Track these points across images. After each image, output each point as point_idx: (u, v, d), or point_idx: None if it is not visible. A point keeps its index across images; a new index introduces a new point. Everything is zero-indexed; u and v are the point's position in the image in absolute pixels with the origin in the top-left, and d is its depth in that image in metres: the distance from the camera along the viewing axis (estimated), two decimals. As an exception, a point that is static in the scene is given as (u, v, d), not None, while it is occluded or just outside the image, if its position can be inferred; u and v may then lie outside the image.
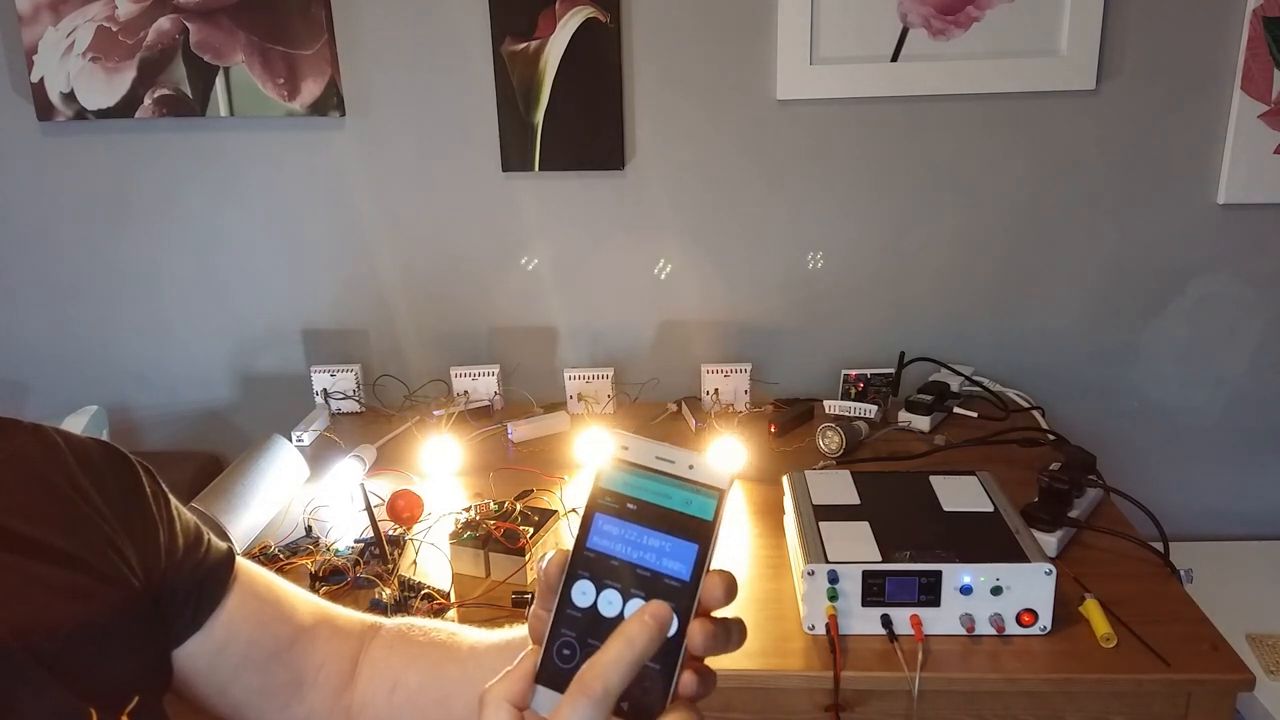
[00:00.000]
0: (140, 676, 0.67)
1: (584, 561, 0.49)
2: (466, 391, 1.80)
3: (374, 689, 0.76)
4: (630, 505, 0.49)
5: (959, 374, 1.75)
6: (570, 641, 0.47)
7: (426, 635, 0.77)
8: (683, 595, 0.47)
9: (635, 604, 0.47)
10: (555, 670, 0.47)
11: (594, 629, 0.47)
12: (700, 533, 0.48)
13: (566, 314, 1.87)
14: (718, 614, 0.48)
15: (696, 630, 0.46)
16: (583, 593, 0.48)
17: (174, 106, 1.73)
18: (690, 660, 0.47)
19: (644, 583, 0.47)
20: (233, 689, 0.74)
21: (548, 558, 0.50)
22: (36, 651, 0.60)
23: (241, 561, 0.77)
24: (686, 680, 0.47)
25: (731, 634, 0.48)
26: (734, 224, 1.80)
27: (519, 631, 0.70)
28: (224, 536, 1.31)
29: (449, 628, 0.78)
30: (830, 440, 1.57)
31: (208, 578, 0.73)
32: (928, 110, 1.71)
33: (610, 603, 0.48)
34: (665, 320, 1.87)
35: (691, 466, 0.49)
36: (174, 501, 0.75)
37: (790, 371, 1.87)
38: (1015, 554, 1.10)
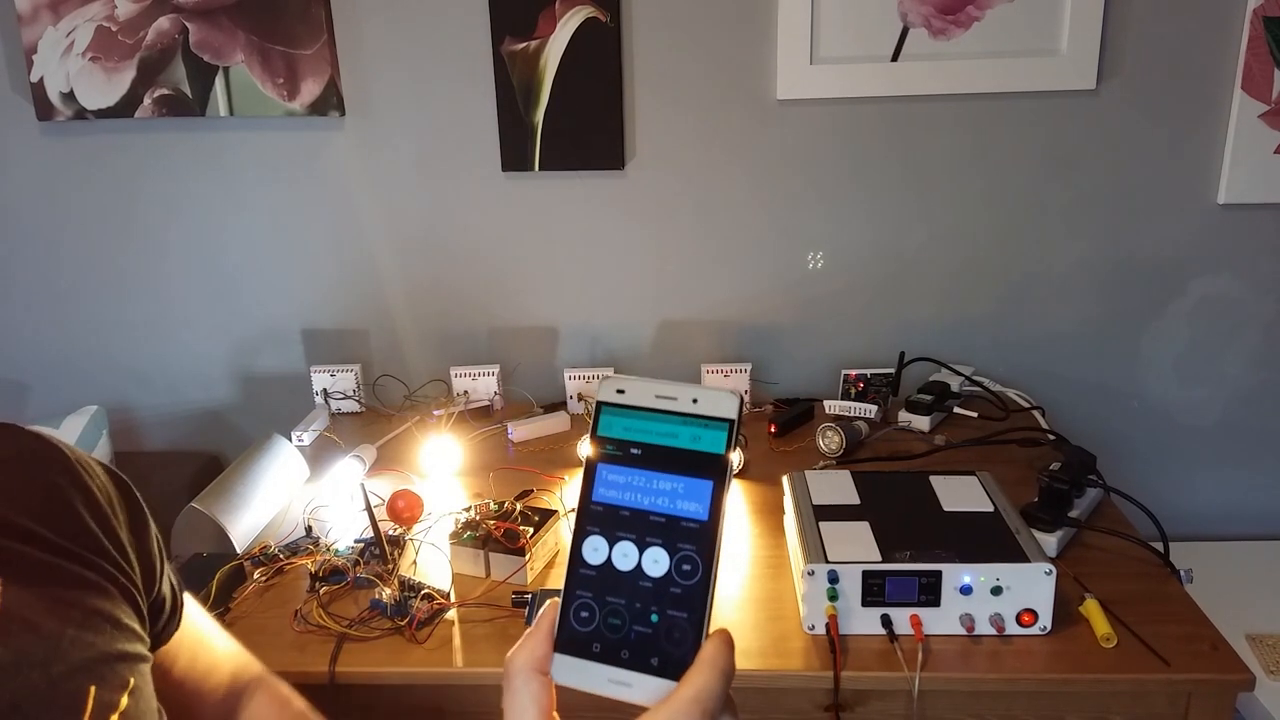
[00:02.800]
0: (136, 662, 0.68)
1: (592, 516, 0.46)
2: (466, 391, 1.80)
3: None
4: (634, 450, 0.46)
5: (959, 374, 1.75)
6: (588, 602, 0.45)
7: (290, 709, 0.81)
8: (702, 536, 0.45)
9: (654, 553, 0.45)
10: (574, 634, 0.45)
11: (611, 585, 0.45)
12: (714, 468, 0.45)
13: (566, 314, 1.87)
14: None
15: None
16: (595, 549, 0.46)
17: (174, 106, 1.73)
18: None
19: (659, 529, 0.45)
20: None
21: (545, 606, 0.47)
22: (40, 631, 0.61)
23: (182, 632, 0.79)
24: None
25: None
26: (734, 224, 1.80)
27: None
28: (224, 537, 1.31)
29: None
30: (830, 440, 1.57)
31: (165, 622, 0.76)
32: (928, 110, 1.71)
33: (625, 555, 0.45)
34: (665, 320, 1.87)
35: (695, 400, 0.46)
36: (165, 556, 0.77)
37: (790, 371, 1.87)
38: (1015, 554, 1.10)
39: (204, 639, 0.81)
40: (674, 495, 0.46)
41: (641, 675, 0.44)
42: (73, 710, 0.61)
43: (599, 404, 0.47)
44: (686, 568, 0.45)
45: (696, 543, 0.45)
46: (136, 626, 0.69)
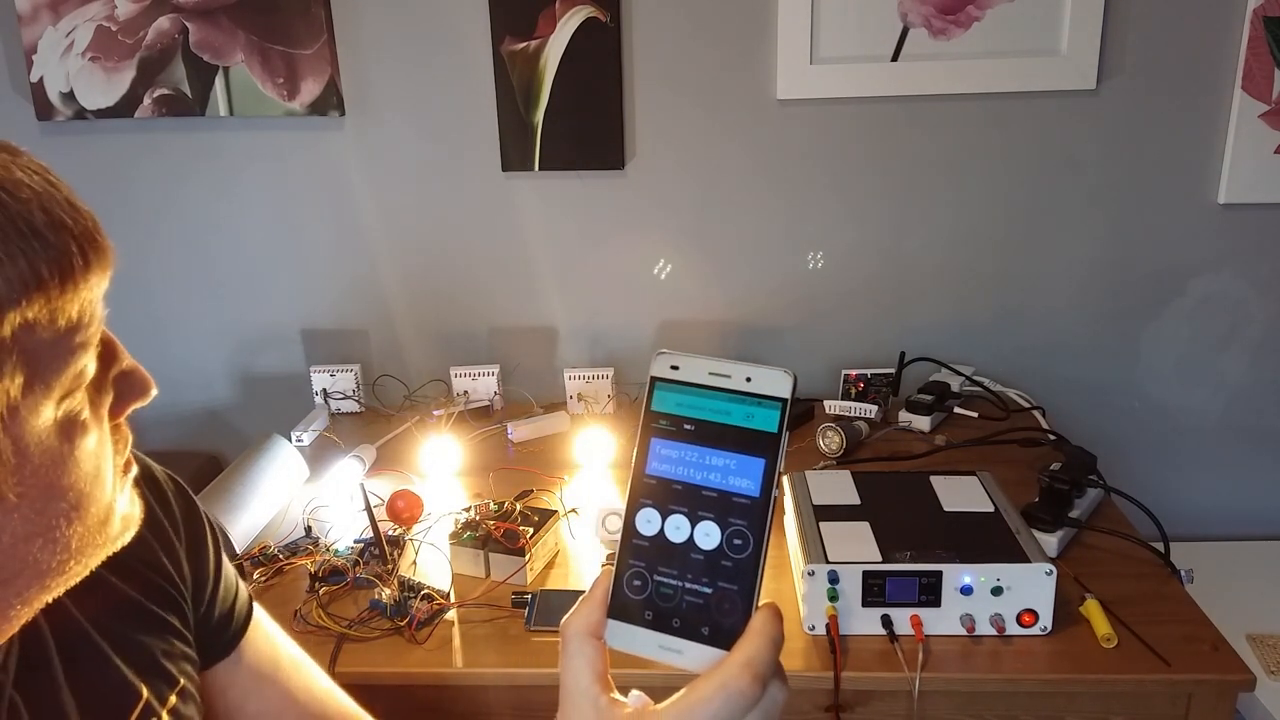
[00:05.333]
0: (183, 661, 0.70)
1: (645, 489, 0.47)
2: (466, 391, 1.80)
3: None
4: (687, 426, 0.47)
5: (959, 374, 1.75)
6: (640, 572, 0.47)
7: None
8: (754, 512, 0.46)
9: (705, 526, 0.46)
10: (626, 602, 0.47)
11: (663, 556, 0.46)
12: (766, 446, 0.46)
13: (566, 314, 1.87)
14: None
15: None
16: (648, 521, 0.47)
17: (173, 106, 1.73)
18: None
19: (711, 504, 0.46)
20: None
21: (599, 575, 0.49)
22: (101, 630, 0.64)
23: (250, 641, 0.79)
24: None
25: None
26: (734, 224, 1.80)
27: None
28: (224, 537, 1.31)
29: None
30: (830, 440, 1.57)
31: (215, 640, 0.76)
32: (928, 110, 1.71)
33: (678, 528, 0.47)
34: (665, 320, 1.86)
35: (749, 379, 0.47)
36: (226, 561, 0.78)
37: (790, 371, 1.86)
38: (1016, 554, 1.10)
39: (276, 677, 0.79)
40: (726, 471, 0.46)
41: (692, 643, 0.45)
42: (122, 707, 0.63)
43: (652, 379, 0.48)
44: (738, 542, 0.46)
45: (748, 518, 0.46)
46: (186, 632, 0.71)
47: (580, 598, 0.48)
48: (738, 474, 0.46)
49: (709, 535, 0.46)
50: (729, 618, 0.45)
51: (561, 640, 0.47)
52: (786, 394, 0.47)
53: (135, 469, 0.60)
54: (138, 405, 0.58)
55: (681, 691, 0.44)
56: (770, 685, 0.44)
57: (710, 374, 0.48)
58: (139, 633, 0.67)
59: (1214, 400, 1.84)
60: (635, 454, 0.48)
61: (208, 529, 0.76)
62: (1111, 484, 1.38)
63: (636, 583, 0.47)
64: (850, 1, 1.64)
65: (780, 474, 0.46)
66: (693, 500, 0.47)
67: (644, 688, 0.49)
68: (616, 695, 0.46)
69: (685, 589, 0.46)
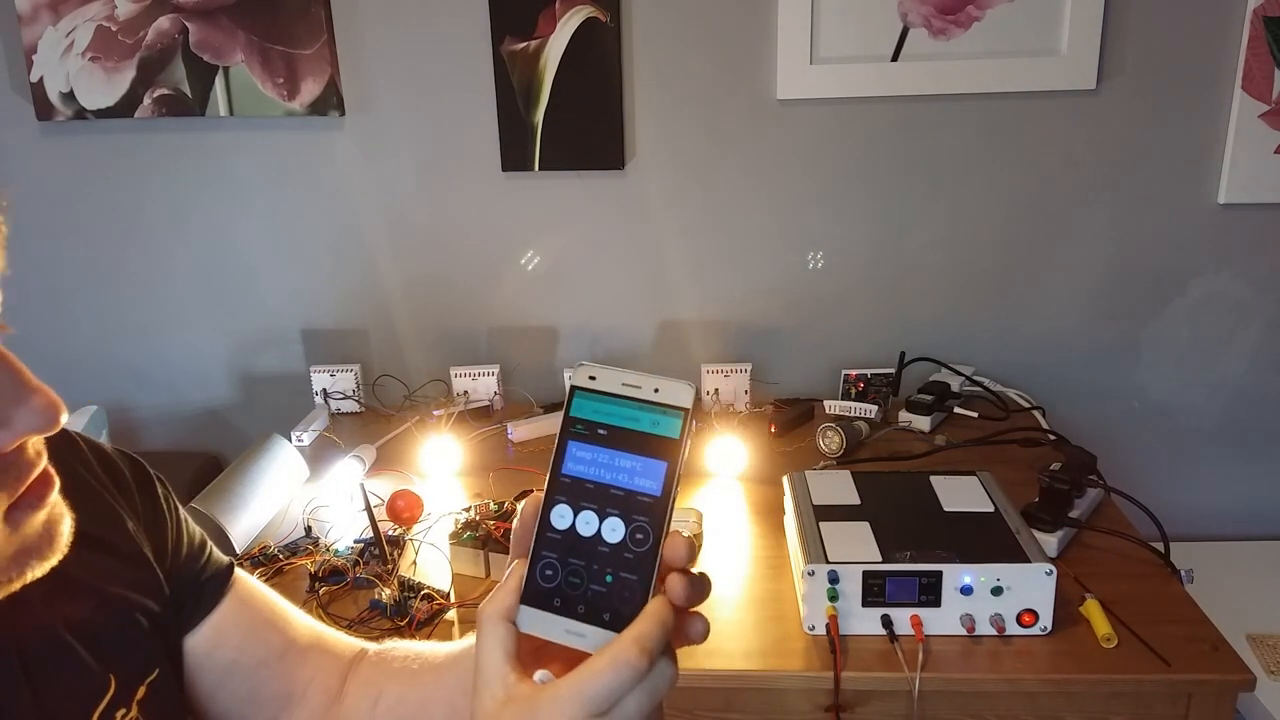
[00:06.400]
0: (160, 653, 0.69)
1: (560, 487, 0.52)
2: (466, 391, 1.80)
3: (358, 703, 0.78)
4: (601, 431, 0.52)
5: (959, 374, 1.75)
6: (552, 562, 0.51)
7: (405, 651, 0.80)
8: (655, 510, 0.50)
9: (611, 522, 0.50)
10: (538, 589, 0.51)
11: (574, 549, 0.51)
12: (668, 451, 0.51)
13: (566, 314, 1.87)
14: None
15: (676, 582, 0.49)
16: (561, 516, 0.51)
17: (174, 106, 1.73)
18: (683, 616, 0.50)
19: (618, 502, 0.51)
20: (220, 694, 0.76)
21: (523, 505, 0.53)
22: (66, 619, 0.63)
23: (241, 575, 0.79)
24: (673, 583, 0.49)
25: (704, 583, 0.51)
26: (734, 224, 1.80)
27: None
28: (224, 537, 1.31)
29: (429, 644, 0.80)
30: (830, 440, 1.57)
31: (206, 583, 0.76)
32: (928, 110, 1.71)
33: (588, 523, 0.51)
34: (665, 320, 1.86)
35: (657, 390, 0.51)
36: (182, 511, 0.78)
37: (790, 371, 1.87)
38: (1016, 554, 1.10)
39: (259, 627, 0.78)
40: (632, 473, 0.51)
41: (594, 628, 0.49)
42: (89, 700, 0.62)
43: (573, 388, 0.53)
44: (640, 536, 0.50)
45: (649, 515, 0.50)
46: (160, 609, 0.70)
47: (496, 585, 0.51)
48: (642, 475, 0.51)
49: (615, 530, 0.50)
50: (628, 605, 0.49)
51: (477, 623, 0.51)
52: (688, 404, 0.51)
53: (54, 494, 0.54)
54: (33, 435, 0.52)
55: (579, 666, 0.47)
56: (659, 662, 0.47)
57: (623, 384, 0.52)
58: (107, 621, 0.66)
59: (1214, 400, 1.84)
60: (553, 455, 0.52)
61: (161, 497, 0.75)
62: (1111, 484, 1.38)
63: (548, 572, 0.51)
64: (850, 1, 1.64)
65: (679, 476, 0.50)
66: (602, 498, 0.51)
67: None
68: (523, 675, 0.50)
69: (591, 578, 0.50)
